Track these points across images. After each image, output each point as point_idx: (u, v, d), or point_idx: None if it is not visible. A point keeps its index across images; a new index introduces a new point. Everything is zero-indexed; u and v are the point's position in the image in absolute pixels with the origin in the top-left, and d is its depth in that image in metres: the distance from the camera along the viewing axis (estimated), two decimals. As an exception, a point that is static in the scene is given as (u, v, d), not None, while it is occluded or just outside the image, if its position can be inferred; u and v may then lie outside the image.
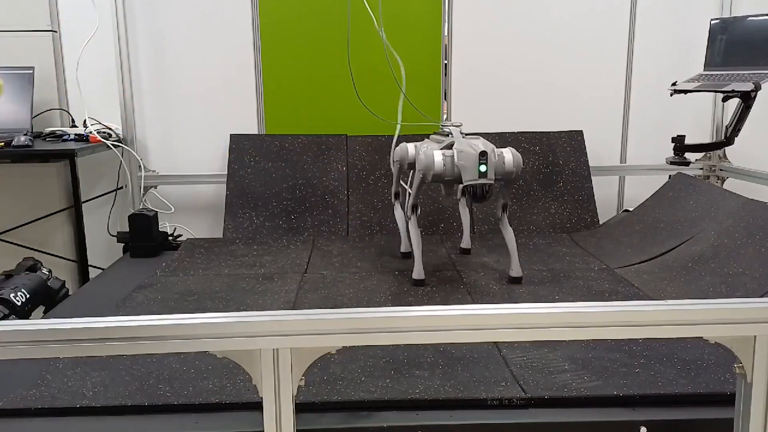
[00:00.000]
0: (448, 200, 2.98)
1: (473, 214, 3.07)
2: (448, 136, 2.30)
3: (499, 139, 3.21)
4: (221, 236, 3.02)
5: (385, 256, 2.68)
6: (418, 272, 2.33)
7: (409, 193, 2.44)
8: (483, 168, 2.13)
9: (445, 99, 3.34)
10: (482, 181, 2.13)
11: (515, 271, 2.34)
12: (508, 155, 2.23)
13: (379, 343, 1.24)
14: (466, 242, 2.76)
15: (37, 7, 3.08)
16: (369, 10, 2.69)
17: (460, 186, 2.17)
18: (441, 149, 2.22)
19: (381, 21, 2.70)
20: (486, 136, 3.20)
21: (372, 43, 3.24)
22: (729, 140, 2.92)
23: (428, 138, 2.51)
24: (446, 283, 2.34)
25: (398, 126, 2.62)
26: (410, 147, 2.46)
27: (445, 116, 3.36)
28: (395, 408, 1.49)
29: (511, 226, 2.40)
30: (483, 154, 2.12)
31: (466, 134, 2.33)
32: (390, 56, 2.78)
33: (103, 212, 3.20)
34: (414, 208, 2.40)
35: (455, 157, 2.17)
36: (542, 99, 3.34)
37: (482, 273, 2.45)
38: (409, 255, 2.63)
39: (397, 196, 2.68)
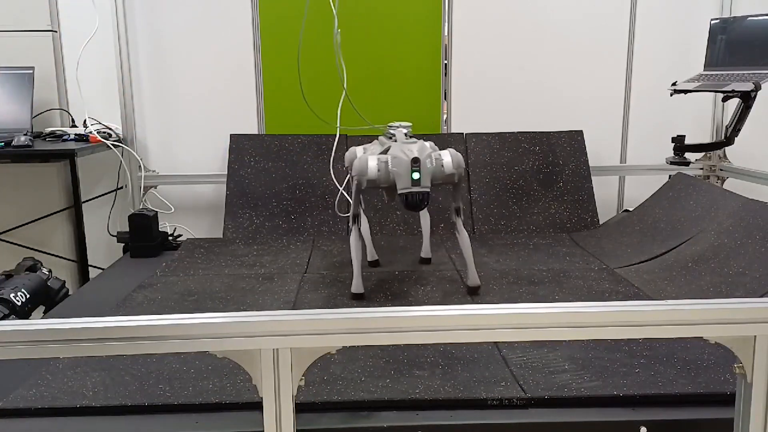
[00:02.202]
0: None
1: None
2: (391, 138, 2.20)
3: (499, 139, 3.22)
4: (221, 236, 3.02)
5: (385, 256, 2.68)
6: (356, 286, 2.19)
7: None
8: (416, 175, 2.01)
9: (445, 99, 3.34)
10: (416, 189, 2.02)
11: (471, 280, 2.23)
12: (447, 158, 2.12)
13: (379, 343, 1.24)
14: (425, 251, 2.60)
15: (37, 7, 3.07)
16: (334, 9, 2.68)
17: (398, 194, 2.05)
18: (379, 154, 2.12)
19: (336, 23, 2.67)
20: (486, 136, 3.22)
21: (369, 43, 3.25)
22: (729, 140, 2.92)
23: (377, 139, 2.42)
24: (446, 283, 2.34)
25: (338, 129, 2.51)
26: (359, 150, 2.35)
27: (444, 116, 3.36)
28: (395, 408, 1.49)
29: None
30: (415, 161, 2.01)
31: (412, 136, 2.23)
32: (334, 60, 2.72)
33: (103, 212, 3.20)
34: (355, 218, 2.26)
35: (389, 163, 2.06)
36: (542, 99, 3.34)
37: (482, 273, 2.45)
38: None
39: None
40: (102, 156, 3.10)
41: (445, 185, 2.17)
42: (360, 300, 2.19)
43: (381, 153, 2.14)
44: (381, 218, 3.06)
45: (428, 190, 2.04)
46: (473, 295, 2.21)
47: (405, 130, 2.23)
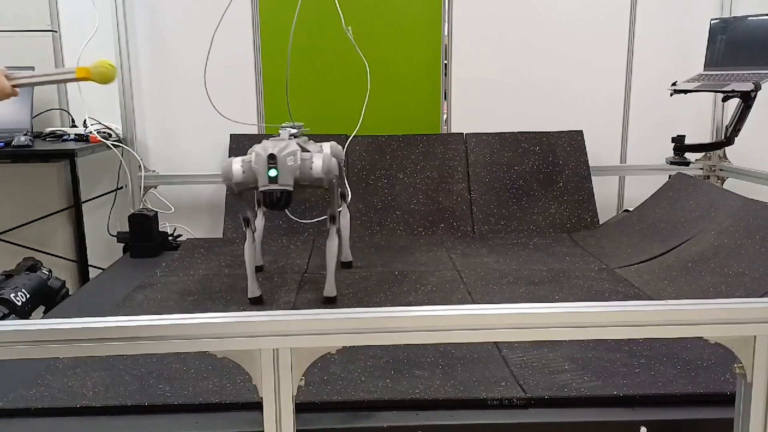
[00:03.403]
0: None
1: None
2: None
3: (499, 139, 3.22)
4: (221, 236, 3.02)
5: (385, 256, 2.68)
6: (252, 290, 2.14)
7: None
8: (272, 172, 1.94)
9: (445, 99, 3.34)
10: (273, 187, 1.94)
11: (327, 290, 2.16)
12: (318, 160, 2.01)
13: (379, 343, 1.24)
14: (345, 255, 2.53)
15: (37, 7, 3.07)
16: (339, 9, 2.66)
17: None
18: (245, 155, 2.05)
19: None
20: (486, 136, 3.22)
21: (369, 43, 3.25)
22: (729, 140, 2.92)
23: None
24: (446, 283, 2.34)
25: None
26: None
27: (444, 116, 3.36)
28: (395, 408, 1.49)
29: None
30: (271, 158, 1.93)
31: (302, 134, 2.18)
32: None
33: (103, 212, 3.19)
34: (246, 221, 2.18)
35: (252, 161, 1.99)
36: (542, 99, 3.34)
37: (482, 273, 2.45)
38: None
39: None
40: (102, 156, 3.10)
41: (313, 189, 2.09)
42: (258, 304, 2.13)
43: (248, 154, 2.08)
44: (381, 218, 3.06)
45: (288, 188, 1.96)
46: (328, 304, 2.14)
47: (295, 131, 2.17)
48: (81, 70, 1.86)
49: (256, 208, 2.55)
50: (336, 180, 2.10)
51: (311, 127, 3.23)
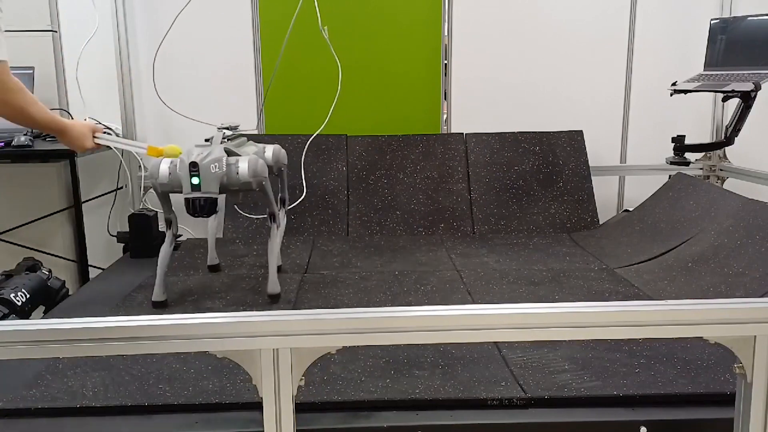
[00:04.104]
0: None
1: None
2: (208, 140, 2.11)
3: (499, 139, 3.22)
4: (221, 236, 3.02)
5: (385, 256, 2.68)
6: (157, 294, 2.12)
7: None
8: (195, 180, 1.94)
9: (445, 99, 3.34)
10: (196, 194, 1.95)
11: (271, 287, 2.15)
12: (243, 164, 2.00)
13: (379, 343, 1.24)
14: (211, 258, 2.51)
15: (37, 7, 3.07)
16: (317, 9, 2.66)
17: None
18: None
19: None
20: (486, 136, 3.22)
21: (369, 43, 3.25)
22: (729, 140, 2.92)
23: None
24: (446, 283, 2.34)
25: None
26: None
27: (444, 116, 3.36)
28: (395, 408, 1.49)
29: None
30: (193, 165, 1.93)
31: (237, 136, 2.17)
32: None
33: (103, 212, 3.19)
34: (168, 223, 2.19)
35: (177, 167, 1.98)
36: (542, 99, 3.34)
37: (482, 273, 2.45)
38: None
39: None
40: (102, 156, 3.10)
41: (243, 192, 2.08)
42: (161, 308, 2.11)
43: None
44: (381, 218, 3.06)
45: (212, 196, 1.96)
46: (273, 302, 2.15)
47: (230, 132, 2.15)
48: (153, 149, 2.03)
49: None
50: (266, 182, 2.08)
51: (312, 127, 3.24)
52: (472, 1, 3.26)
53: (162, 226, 2.98)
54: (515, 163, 3.17)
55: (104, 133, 2.15)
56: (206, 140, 2.11)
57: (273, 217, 2.21)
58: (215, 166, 1.96)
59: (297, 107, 3.26)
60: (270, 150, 2.30)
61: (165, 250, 2.16)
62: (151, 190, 3.25)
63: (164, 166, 2.01)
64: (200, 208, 1.96)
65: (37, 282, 2.24)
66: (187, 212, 1.98)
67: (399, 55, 3.27)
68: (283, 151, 2.37)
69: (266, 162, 2.18)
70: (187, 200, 1.97)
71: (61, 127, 2.00)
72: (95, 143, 2.06)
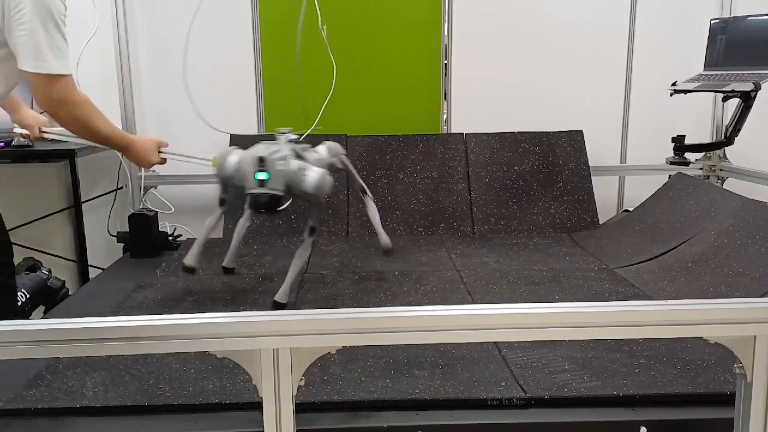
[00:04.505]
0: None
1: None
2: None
3: (499, 139, 3.22)
4: (221, 236, 3.02)
5: (385, 256, 2.68)
6: (190, 258, 2.15)
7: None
8: (260, 175, 1.94)
9: (445, 99, 3.34)
10: (261, 190, 1.95)
11: (280, 296, 2.09)
12: (313, 175, 1.99)
13: (379, 343, 1.24)
14: (384, 243, 2.46)
15: (37, 7, 3.07)
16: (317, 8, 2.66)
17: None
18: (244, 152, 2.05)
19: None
20: (486, 136, 3.22)
21: (369, 43, 3.25)
22: (729, 140, 2.92)
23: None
24: (446, 283, 2.34)
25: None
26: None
27: (444, 116, 3.36)
28: (395, 408, 1.49)
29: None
30: (261, 161, 1.94)
31: (299, 141, 2.16)
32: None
33: (103, 212, 3.19)
34: (222, 201, 2.24)
35: (243, 161, 2.00)
36: (542, 99, 3.34)
37: (482, 273, 2.45)
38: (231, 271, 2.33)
39: (222, 202, 2.29)
40: (102, 156, 3.10)
41: (301, 200, 2.08)
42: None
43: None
44: (381, 218, 3.04)
45: (278, 193, 1.95)
46: (277, 307, 2.06)
47: (293, 136, 2.16)
48: (217, 160, 2.10)
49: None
50: (326, 198, 2.09)
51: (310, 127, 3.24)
52: (472, 1, 3.26)
53: (162, 227, 3.00)
54: (515, 163, 3.17)
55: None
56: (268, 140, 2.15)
57: (312, 230, 2.18)
58: (282, 164, 1.97)
59: (297, 107, 3.26)
60: (323, 148, 2.27)
61: (210, 222, 2.23)
62: (152, 190, 3.26)
63: (233, 158, 2.03)
64: (263, 204, 1.96)
65: (37, 282, 2.25)
66: (250, 207, 1.99)
67: (399, 55, 3.27)
68: (336, 145, 2.33)
69: (323, 158, 2.17)
70: (250, 195, 1.97)
71: (127, 141, 2.01)
72: (161, 158, 2.11)
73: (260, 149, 1.99)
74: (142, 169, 3.19)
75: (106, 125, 1.92)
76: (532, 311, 1.21)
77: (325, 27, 2.79)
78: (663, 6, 3.29)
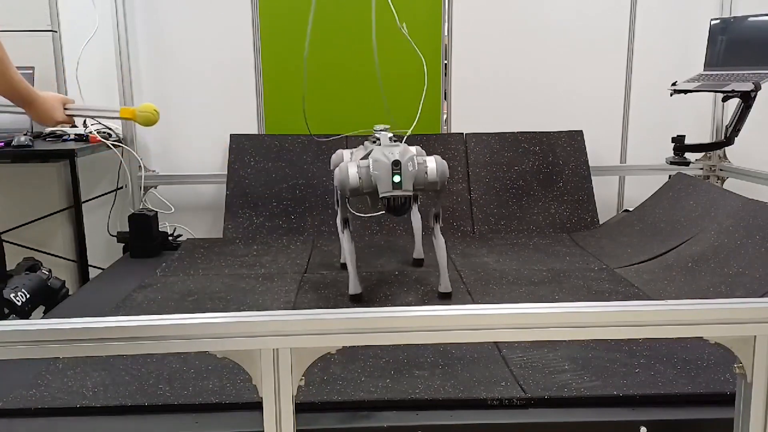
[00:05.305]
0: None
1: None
2: (375, 142, 2.15)
3: (499, 139, 3.22)
4: (221, 236, 3.02)
5: (385, 256, 2.68)
6: (354, 287, 2.17)
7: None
8: (397, 178, 1.95)
9: (445, 99, 3.34)
10: (397, 192, 1.96)
11: (443, 286, 2.17)
12: (432, 164, 2.05)
13: (379, 343, 1.24)
14: (418, 252, 2.57)
15: (37, 7, 3.07)
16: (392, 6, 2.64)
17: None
18: (360, 159, 2.06)
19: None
20: (486, 136, 3.22)
21: (369, 43, 3.25)
22: (729, 140, 2.92)
23: (363, 143, 2.36)
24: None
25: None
26: (346, 153, 2.30)
27: (444, 116, 3.36)
28: (395, 408, 1.49)
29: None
30: (396, 164, 1.95)
31: (395, 138, 2.17)
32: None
33: (103, 212, 3.19)
34: (345, 222, 2.27)
35: (370, 167, 1.99)
36: (542, 99, 3.34)
37: (482, 273, 2.45)
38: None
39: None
40: (102, 156, 3.10)
41: (427, 192, 2.11)
42: (358, 302, 2.17)
43: (362, 158, 2.08)
44: (380, 218, 3.05)
45: (410, 193, 1.98)
46: (444, 299, 2.17)
47: (390, 134, 2.17)
48: (125, 110, 1.97)
49: (349, 211, 2.51)
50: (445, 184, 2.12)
51: (312, 127, 3.23)
52: (472, 1, 3.25)
53: (162, 227, 3.00)
54: (515, 163, 3.17)
55: (80, 118, 2.08)
56: (372, 141, 2.18)
57: (437, 217, 2.25)
58: (411, 165, 1.99)
59: (297, 107, 3.26)
60: (432, 162, 2.12)
61: (348, 246, 2.23)
62: (152, 190, 3.26)
63: (353, 170, 2.02)
64: (401, 205, 1.97)
65: (37, 282, 2.24)
66: (387, 211, 1.99)
67: (399, 55, 3.26)
68: (445, 163, 2.14)
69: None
70: (387, 198, 1.97)
71: (32, 96, 1.86)
72: (66, 115, 1.94)
73: (387, 152, 1.99)
74: (142, 169, 3.19)
75: (17, 74, 1.85)
76: (532, 311, 1.21)
77: (404, 24, 2.76)
78: (663, 6, 3.29)
